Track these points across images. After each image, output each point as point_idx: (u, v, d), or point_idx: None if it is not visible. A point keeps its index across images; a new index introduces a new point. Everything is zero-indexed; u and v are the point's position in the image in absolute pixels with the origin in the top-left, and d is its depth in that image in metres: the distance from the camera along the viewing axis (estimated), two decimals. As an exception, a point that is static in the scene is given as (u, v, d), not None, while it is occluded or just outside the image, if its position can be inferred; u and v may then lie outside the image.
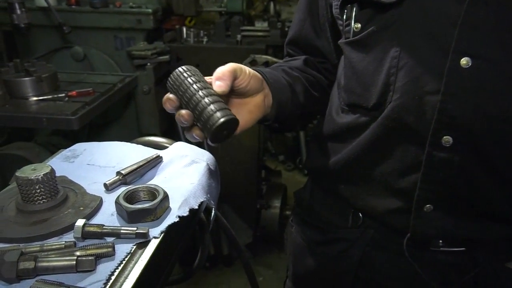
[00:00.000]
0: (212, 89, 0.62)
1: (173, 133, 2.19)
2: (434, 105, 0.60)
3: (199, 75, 0.62)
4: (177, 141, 0.82)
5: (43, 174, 0.55)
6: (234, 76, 0.64)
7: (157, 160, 0.72)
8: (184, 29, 2.15)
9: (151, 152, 0.76)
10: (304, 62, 0.84)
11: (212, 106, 0.58)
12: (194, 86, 0.60)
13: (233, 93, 0.67)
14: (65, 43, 2.10)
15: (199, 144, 0.79)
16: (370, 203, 0.72)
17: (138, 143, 0.81)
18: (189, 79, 0.60)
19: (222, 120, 0.57)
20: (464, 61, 0.58)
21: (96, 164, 0.72)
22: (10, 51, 2.22)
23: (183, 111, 0.61)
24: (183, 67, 0.63)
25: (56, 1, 2.01)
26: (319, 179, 0.82)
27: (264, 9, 3.04)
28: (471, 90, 0.59)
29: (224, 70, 0.63)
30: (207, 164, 0.74)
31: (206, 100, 0.59)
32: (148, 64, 1.95)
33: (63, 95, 1.59)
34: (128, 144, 0.80)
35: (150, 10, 1.99)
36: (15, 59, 1.61)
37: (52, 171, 0.57)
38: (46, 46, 2.10)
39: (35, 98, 1.56)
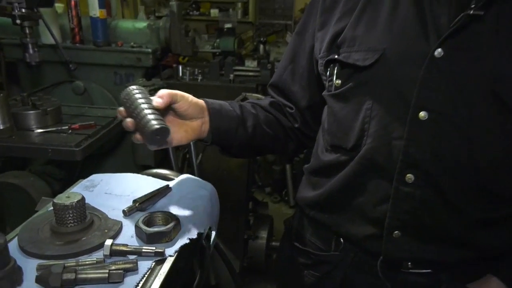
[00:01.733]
0: (152, 104, 0.75)
1: (167, 164, 2.28)
2: (400, 148, 0.74)
3: (146, 93, 0.77)
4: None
5: (76, 201, 0.66)
6: (173, 99, 0.78)
7: (167, 190, 0.83)
8: (180, 68, 2.30)
9: (159, 183, 0.88)
10: (270, 104, 0.98)
11: (150, 116, 0.72)
12: (139, 100, 0.74)
13: (175, 113, 0.82)
14: (68, 78, 2.22)
15: (203, 177, 0.91)
16: (349, 230, 0.84)
17: (148, 175, 0.93)
18: (136, 95, 0.75)
19: (156, 126, 0.70)
20: (422, 114, 0.72)
21: (113, 193, 0.83)
22: (12, 82, 2.33)
23: (128, 119, 0.74)
24: (133, 86, 0.77)
25: (61, 39, 2.15)
26: (306, 209, 0.93)
27: (254, 48, 3.24)
28: (428, 137, 0.72)
29: (164, 92, 0.77)
30: (210, 194, 0.85)
31: (146, 111, 0.72)
32: (146, 99, 2.08)
33: (66, 127, 1.68)
34: (140, 175, 0.91)
35: (150, 50, 2.13)
36: (21, 93, 1.71)
37: (83, 198, 0.67)
38: (49, 79, 2.22)
39: (39, 130, 1.66)
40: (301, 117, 0.99)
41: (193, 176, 0.90)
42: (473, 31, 0.69)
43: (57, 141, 1.60)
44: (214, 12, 3.57)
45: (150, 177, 0.90)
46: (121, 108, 0.77)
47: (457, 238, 0.77)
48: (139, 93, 0.75)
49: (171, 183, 0.86)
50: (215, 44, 2.79)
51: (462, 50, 0.69)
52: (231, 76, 2.26)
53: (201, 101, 0.87)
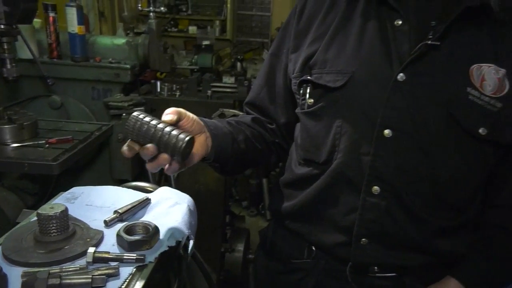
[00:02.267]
0: (164, 122, 0.73)
1: (144, 178, 2.30)
2: (367, 163, 0.81)
3: (150, 115, 0.73)
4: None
5: (60, 212, 0.69)
6: (179, 114, 0.76)
7: (147, 202, 0.87)
8: (159, 83, 2.33)
9: (139, 195, 0.91)
10: (252, 120, 1.02)
11: (174, 132, 0.70)
12: (152, 122, 0.71)
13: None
14: (45, 92, 2.22)
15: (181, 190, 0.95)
16: (321, 238, 0.90)
17: (128, 187, 0.96)
18: (145, 119, 0.71)
19: (187, 139, 0.69)
20: (386, 132, 0.79)
21: (94, 205, 0.86)
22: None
23: (149, 145, 0.69)
24: (136, 112, 0.73)
25: (38, 54, 2.16)
26: (281, 219, 0.99)
27: (232, 65, 3.31)
28: (392, 153, 0.80)
29: (171, 109, 0.75)
30: (188, 205, 0.90)
31: (167, 129, 0.70)
32: (124, 114, 2.10)
33: (43, 141, 1.69)
34: (120, 188, 0.94)
35: (128, 66, 2.17)
36: (-2, 107, 1.71)
37: (66, 209, 0.70)
38: (26, 94, 2.21)
39: (15, 145, 1.66)
40: (280, 132, 1.04)
41: (171, 188, 0.94)
42: (431, 59, 0.77)
43: (34, 155, 1.60)
44: (193, 29, 3.64)
45: (130, 190, 0.93)
46: (127, 147, 0.71)
47: (418, 245, 0.84)
48: (146, 116, 0.72)
49: (150, 195, 0.90)
50: (193, 60, 2.85)
51: (421, 75, 0.78)
52: (209, 92, 2.31)
53: (198, 120, 0.84)
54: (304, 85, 0.89)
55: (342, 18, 0.86)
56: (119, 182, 2.31)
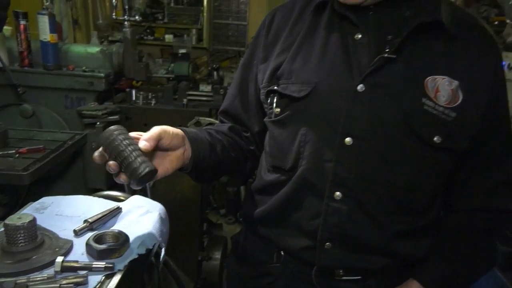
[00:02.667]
0: (137, 145, 0.75)
1: (119, 187, 2.27)
2: (329, 169, 0.85)
3: (127, 134, 0.76)
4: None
5: (28, 222, 0.69)
6: (159, 138, 0.78)
7: (118, 210, 0.87)
8: (134, 92, 2.33)
9: (110, 204, 0.92)
10: (229, 128, 1.04)
11: (139, 159, 0.72)
12: (123, 142, 0.73)
13: (157, 148, 0.82)
14: (15, 101, 2.18)
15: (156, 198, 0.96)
16: (288, 243, 0.92)
17: (99, 196, 0.96)
18: (119, 136, 0.73)
19: (146, 170, 0.72)
20: (347, 139, 0.83)
21: (64, 214, 0.86)
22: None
23: (111, 162, 0.72)
24: (114, 126, 0.76)
25: (8, 62, 2.12)
26: (251, 225, 1.01)
27: (208, 73, 3.33)
28: (353, 160, 0.84)
29: (151, 134, 0.77)
30: (159, 213, 0.91)
31: (134, 154, 0.72)
32: (98, 123, 2.08)
33: (13, 151, 1.66)
34: (91, 197, 0.95)
35: (102, 74, 2.16)
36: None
37: (34, 219, 0.70)
38: (-4, 103, 2.17)
39: (-16, 154, 1.62)
40: (254, 140, 1.07)
41: (142, 197, 0.95)
42: (388, 71, 0.82)
43: (3, 165, 1.57)
44: (169, 37, 3.65)
45: (101, 199, 0.94)
46: (98, 153, 0.75)
47: (380, 248, 0.88)
48: (120, 134, 0.74)
49: (121, 204, 0.90)
50: (169, 69, 2.85)
51: (379, 86, 0.82)
52: (185, 100, 2.32)
53: (179, 130, 0.87)
54: (272, 94, 0.92)
55: (307, 31, 0.90)
56: (93, 191, 2.27)
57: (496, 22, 2.77)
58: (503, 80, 0.89)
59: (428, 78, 0.81)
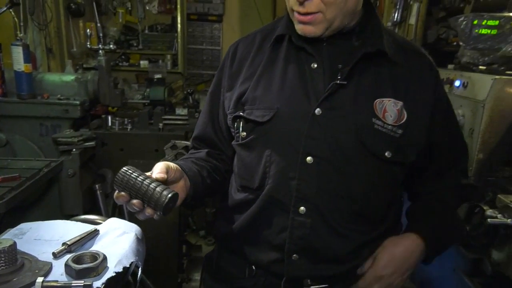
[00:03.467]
0: (153, 178, 0.83)
1: (96, 212, 2.28)
2: (294, 186, 0.92)
3: (138, 170, 0.83)
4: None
5: (8, 246, 0.72)
6: (167, 171, 0.86)
7: (95, 233, 0.91)
8: (110, 118, 2.36)
9: (87, 227, 0.96)
10: (207, 154, 1.10)
11: (158, 188, 0.80)
12: (139, 178, 0.81)
13: (165, 181, 0.89)
14: (-12, 130, 2.18)
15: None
16: (258, 256, 0.98)
17: (76, 220, 1.00)
18: (133, 175, 0.81)
19: (169, 195, 0.79)
20: (308, 158, 0.91)
21: (43, 239, 0.89)
22: None
23: (134, 201, 0.81)
24: (125, 167, 0.83)
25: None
26: (223, 242, 1.07)
27: (184, 97, 3.39)
28: (314, 177, 0.92)
29: (160, 167, 0.86)
30: (136, 234, 0.95)
31: (152, 185, 0.80)
32: (74, 150, 2.10)
33: (-12, 181, 1.67)
34: (68, 221, 0.99)
35: (78, 102, 2.19)
36: None
37: (15, 243, 0.74)
38: (-33, 132, 2.16)
39: (-42, 185, 1.62)
40: (230, 162, 1.12)
41: (119, 219, 0.99)
42: (341, 95, 0.91)
43: (-22, 195, 1.57)
44: (144, 63, 3.70)
45: (78, 223, 0.98)
46: (122, 193, 0.81)
47: (343, 257, 0.95)
48: (134, 171, 0.81)
49: (98, 226, 0.95)
50: (145, 93, 2.89)
51: (334, 109, 0.91)
52: (160, 125, 2.37)
53: (177, 168, 0.93)
54: (238, 120, 1.00)
55: (267, 61, 0.99)
56: (70, 217, 2.28)
57: (454, 43, 2.97)
58: (444, 96, 1.00)
59: (377, 100, 0.91)
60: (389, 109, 0.91)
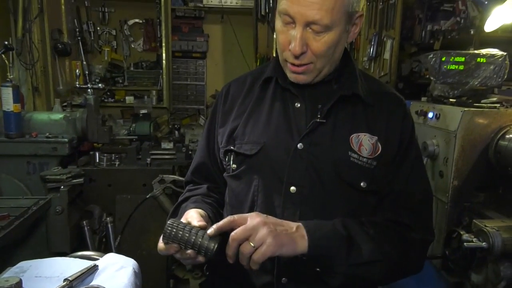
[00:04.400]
0: (197, 227, 0.89)
1: (83, 249, 2.26)
2: (279, 214, 0.99)
3: (182, 222, 0.90)
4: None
5: (15, 283, 0.76)
6: (201, 216, 0.94)
7: (94, 268, 0.95)
8: (97, 154, 2.40)
9: (86, 263, 0.99)
10: (208, 189, 1.17)
11: (204, 237, 0.87)
12: (185, 229, 0.87)
13: None
14: (-24, 170, 2.17)
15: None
16: (251, 281, 1.03)
17: (75, 257, 1.03)
18: (180, 226, 0.87)
19: (216, 245, 0.87)
20: (292, 188, 0.99)
21: (43, 276, 0.92)
22: None
23: (189, 251, 0.86)
24: (170, 221, 0.89)
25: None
26: (217, 269, 1.11)
27: (169, 131, 3.44)
28: (297, 205, 0.99)
29: (195, 214, 0.93)
30: (133, 268, 0.99)
31: (199, 235, 0.87)
32: (62, 187, 2.11)
33: (-24, 221, 1.66)
34: (67, 258, 1.02)
35: (66, 140, 2.22)
36: None
37: (21, 281, 0.78)
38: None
39: None
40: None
41: (116, 254, 1.03)
42: (320, 132, 1.01)
43: (-33, 235, 1.57)
44: (130, 99, 3.76)
45: (77, 259, 1.01)
46: (173, 245, 0.87)
47: (326, 278, 1.00)
48: (179, 224, 0.87)
49: (97, 262, 0.98)
50: (131, 129, 2.94)
51: (314, 144, 1.01)
52: (148, 160, 2.42)
53: (205, 215, 1.00)
54: (229, 153, 1.08)
55: (256, 101, 1.09)
56: (57, 255, 2.25)
57: (427, 76, 3.16)
58: (411, 131, 1.08)
59: (353, 135, 1.01)
60: (365, 143, 1.01)
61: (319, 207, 0.99)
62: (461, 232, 1.48)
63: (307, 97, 1.04)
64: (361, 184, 1.00)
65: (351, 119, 1.03)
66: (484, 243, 1.36)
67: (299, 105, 1.04)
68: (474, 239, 1.39)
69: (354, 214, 1.01)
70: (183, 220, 0.93)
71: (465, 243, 1.40)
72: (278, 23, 0.98)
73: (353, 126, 1.02)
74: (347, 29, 0.98)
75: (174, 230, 0.87)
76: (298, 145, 1.00)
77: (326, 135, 1.01)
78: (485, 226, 1.40)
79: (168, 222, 0.88)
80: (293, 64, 0.99)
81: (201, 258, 0.88)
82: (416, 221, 1.04)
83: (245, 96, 1.11)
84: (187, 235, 0.86)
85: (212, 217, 1.04)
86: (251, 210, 1.03)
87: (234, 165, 1.07)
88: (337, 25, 0.93)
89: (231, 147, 1.07)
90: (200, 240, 0.86)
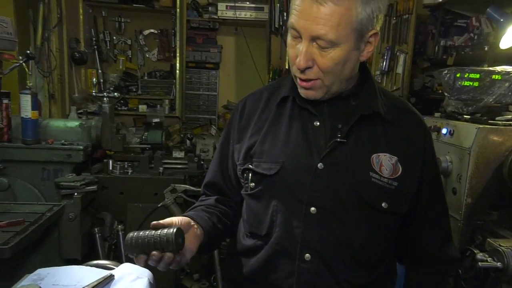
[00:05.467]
0: (152, 230, 0.90)
1: (93, 257, 2.28)
2: (299, 235, 0.99)
3: (140, 231, 0.91)
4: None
5: (35, 291, 0.77)
6: (167, 222, 0.95)
7: (111, 278, 0.96)
8: (111, 162, 2.43)
9: (101, 272, 1.00)
10: (216, 200, 1.17)
11: (161, 232, 0.88)
12: (142, 235, 0.88)
13: None
14: (-8, 174, 2.21)
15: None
16: None
17: (90, 266, 1.05)
18: (137, 235, 0.89)
19: (173, 230, 0.87)
20: (312, 209, 0.98)
21: (60, 284, 0.94)
22: None
23: (153, 252, 0.87)
24: (129, 234, 0.91)
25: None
26: (232, 285, 1.11)
27: (181, 140, 3.47)
28: (318, 226, 0.98)
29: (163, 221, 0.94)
30: (148, 278, 1.00)
31: (156, 233, 0.88)
32: (76, 194, 2.14)
33: (-8, 225, 1.69)
34: (84, 267, 1.03)
35: (81, 147, 2.25)
36: None
37: (40, 288, 0.79)
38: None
39: (-37, 230, 1.64)
40: (238, 208, 1.18)
41: (132, 264, 1.04)
42: (341, 151, 1.00)
43: (-16, 240, 1.59)
44: (143, 107, 3.81)
45: (93, 268, 1.02)
46: (140, 256, 0.88)
47: None
48: (136, 232, 0.89)
49: (113, 271, 0.99)
50: (143, 137, 2.97)
51: (335, 164, 0.99)
52: (161, 169, 2.44)
53: (184, 216, 1.03)
54: (247, 171, 1.07)
55: (273, 118, 1.08)
56: (68, 261, 2.27)
57: (439, 91, 3.15)
58: (433, 150, 1.10)
59: (373, 155, 1.00)
60: (385, 163, 1.00)
61: (339, 229, 0.99)
62: (475, 251, 1.46)
63: (326, 115, 1.03)
64: (382, 204, 0.99)
65: (371, 139, 1.02)
66: (499, 263, 1.34)
67: (318, 123, 1.03)
68: (489, 259, 1.37)
69: (374, 235, 1.00)
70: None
71: (479, 263, 1.38)
72: (288, 37, 0.99)
73: (373, 145, 1.01)
74: (358, 47, 0.96)
75: (134, 241, 0.88)
76: (319, 165, 0.99)
77: (346, 155, 1.00)
78: (500, 245, 1.38)
79: (127, 236, 0.89)
80: (301, 79, 0.99)
81: (168, 255, 0.88)
82: (452, 247, 1.13)
83: (262, 112, 1.11)
84: (146, 239, 0.87)
85: (205, 224, 1.04)
86: (269, 230, 1.02)
87: (252, 184, 1.06)
88: (344, 41, 0.92)
89: (249, 165, 1.06)
90: (158, 238, 0.87)
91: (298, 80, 1.01)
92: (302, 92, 1.02)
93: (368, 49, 0.98)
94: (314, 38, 0.92)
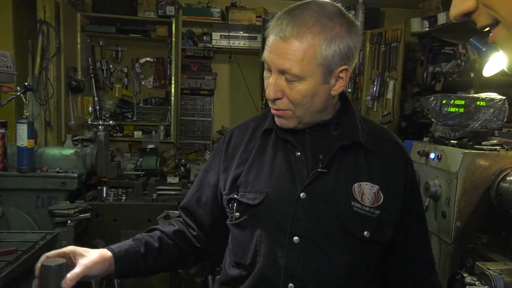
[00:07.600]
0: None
1: (86, 285, 2.26)
2: (282, 264, 1.00)
3: None
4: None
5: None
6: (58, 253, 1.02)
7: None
8: (105, 189, 2.44)
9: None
10: (174, 231, 1.17)
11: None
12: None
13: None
14: (-14, 204, 2.22)
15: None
16: None
17: (81, 295, 1.05)
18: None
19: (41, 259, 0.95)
20: (295, 238, 0.99)
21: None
22: None
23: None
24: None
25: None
26: None
27: (175, 165, 3.49)
28: (301, 255, 0.99)
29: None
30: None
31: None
32: (69, 221, 2.14)
33: (-16, 255, 1.69)
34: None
35: (76, 175, 2.27)
36: None
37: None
38: (-36, 206, 2.20)
39: (-45, 260, 1.64)
40: (204, 236, 1.19)
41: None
42: (323, 181, 1.02)
43: (-25, 270, 1.59)
44: (138, 133, 3.84)
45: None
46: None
47: None
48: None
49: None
50: (138, 163, 2.99)
51: (317, 193, 1.01)
52: (154, 195, 2.45)
53: (102, 254, 1.03)
54: (232, 201, 1.09)
55: (258, 149, 1.11)
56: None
57: (429, 116, 3.21)
58: (414, 177, 1.13)
59: (355, 185, 1.02)
60: (367, 192, 1.02)
61: (322, 258, 1.00)
62: (464, 275, 1.48)
63: (307, 146, 1.06)
64: (365, 233, 1.00)
65: (353, 168, 1.04)
66: (486, 287, 1.36)
67: (299, 154, 1.05)
68: (477, 282, 1.39)
69: (358, 264, 1.01)
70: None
71: (467, 286, 1.39)
72: (264, 70, 1.04)
73: (355, 175, 1.03)
74: (327, 81, 0.99)
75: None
76: (301, 195, 1.00)
77: (328, 185, 1.02)
78: (488, 269, 1.40)
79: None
80: (273, 108, 1.04)
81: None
82: (436, 274, 1.17)
83: (248, 143, 1.13)
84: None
85: (142, 263, 1.09)
86: (253, 259, 1.03)
87: (237, 214, 1.07)
88: (310, 76, 0.96)
89: (235, 195, 1.08)
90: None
91: (271, 109, 1.05)
92: (276, 120, 1.07)
93: (340, 84, 1.01)
94: (282, 71, 0.98)
